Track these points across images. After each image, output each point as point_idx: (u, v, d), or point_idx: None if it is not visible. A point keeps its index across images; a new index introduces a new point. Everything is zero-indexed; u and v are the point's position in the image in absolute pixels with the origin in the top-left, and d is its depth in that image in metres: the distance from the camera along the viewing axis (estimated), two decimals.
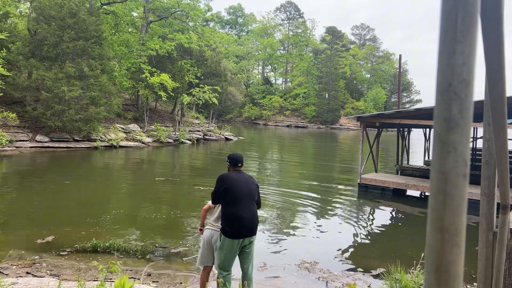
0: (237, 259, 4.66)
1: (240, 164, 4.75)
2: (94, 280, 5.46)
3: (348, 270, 6.72)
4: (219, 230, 4.68)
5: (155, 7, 31.59)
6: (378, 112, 15.33)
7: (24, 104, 22.06)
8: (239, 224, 4.40)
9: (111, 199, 11.63)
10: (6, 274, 5.68)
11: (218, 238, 4.64)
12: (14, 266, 6.11)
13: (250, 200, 4.57)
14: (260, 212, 10.36)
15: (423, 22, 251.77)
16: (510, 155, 8.71)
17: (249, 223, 4.45)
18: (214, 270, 4.90)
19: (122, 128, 26.39)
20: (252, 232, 4.52)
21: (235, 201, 4.44)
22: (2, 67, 19.74)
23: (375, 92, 74.07)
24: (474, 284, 5.64)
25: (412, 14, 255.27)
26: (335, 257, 7.29)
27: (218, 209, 4.82)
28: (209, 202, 4.85)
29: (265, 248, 7.57)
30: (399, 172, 16.78)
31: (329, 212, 10.96)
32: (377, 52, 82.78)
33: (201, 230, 5.01)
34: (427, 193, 13.04)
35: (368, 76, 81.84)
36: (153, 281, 5.80)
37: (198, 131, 32.84)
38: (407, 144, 19.01)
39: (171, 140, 28.41)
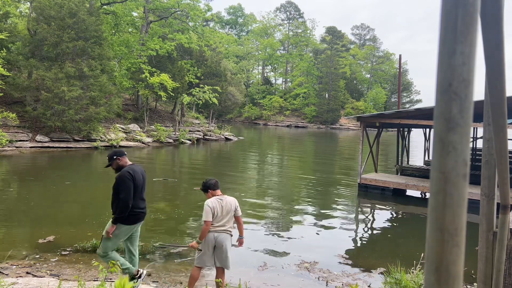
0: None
1: (125, 153, 5.12)
2: (94, 280, 5.46)
3: (348, 270, 6.71)
4: (223, 232, 4.80)
5: (155, 7, 31.59)
6: (378, 112, 15.33)
7: (24, 104, 22.05)
8: (137, 213, 4.88)
9: (111, 199, 11.61)
10: (6, 274, 5.68)
11: (225, 238, 4.80)
12: (14, 266, 6.11)
13: (144, 188, 5.03)
14: (260, 212, 10.37)
15: (423, 22, 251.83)
16: (510, 155, 8.72)
17: (143, 212, 4.98)
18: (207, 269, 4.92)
19: (122, 128, 26.39)
20: (144, 217, 5.05)
21: (136, 192, 4.84)
22: (2, 67, 19.74)
23: (375, 92, 74.08)
24: (474, 284, 5.64)
25: (412, 14, 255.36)
26: (335, 257, 7.29)
27: (228, 214, 4.86)
28: (205, 219, 4.75)
29: (265, 248, 7.57)
30: (399, 172, 16.77)
31: (329, 212, 10.96)
32: (377, 52, 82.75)
33: (197, 245, 4.89)
34: (427, 193, 13.05)
35: (368, 76, 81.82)
36: (153, 281, 5.81)
37: (198, 131, 32.83)
38: (407, 144, 19.01)
39: (171, 140, 28.40)
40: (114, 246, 4.85)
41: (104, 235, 4.80)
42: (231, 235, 4.92)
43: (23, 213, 9.39)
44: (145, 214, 5.06)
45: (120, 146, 24.02)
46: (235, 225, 5.07)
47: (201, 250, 4.82)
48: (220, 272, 4.87)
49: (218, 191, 4.99)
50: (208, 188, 4.99)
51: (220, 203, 4.84)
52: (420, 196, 13.40)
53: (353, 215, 10.95)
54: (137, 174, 4.87)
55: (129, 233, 4.92)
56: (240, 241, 5.09)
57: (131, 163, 5.05)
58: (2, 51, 20.34)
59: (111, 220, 4.79)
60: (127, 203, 4.68)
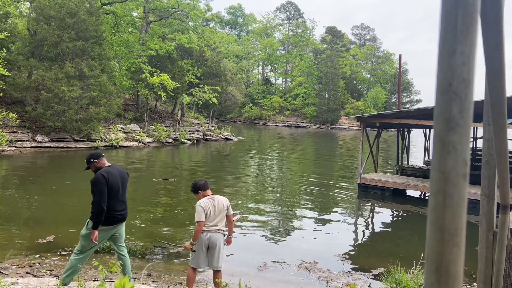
0: None
1: (102, 154, 5.11)
2: (94, 280, 5.46)
3: (348, 270, 6.72)
4: (216, 232, 4.81)
5: (155, 7, 31.59)
6: (378, 112, 15.33)
7: (24, 104, 22.05)
8: (113, 215, 4.81)
9: None
10: (6, 274, 5.68)
11: (219, 237, 4.79)
12: (14, 266, 6.11)
13: (124, 190, 4.97)
14: (260, 212, 10.37)
15: (423, 22, 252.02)
16: (510, 155, 8.72)
17: (121, 214, 4.89)
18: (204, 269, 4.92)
19: (122, 128, 26.39)
20: (124, 219, 4.97)
21: (112, 194, 4.77)
22: (2, 67, 19.74)
23: (375, 92, 74.08)
24: (474, 284, 5.64)
25: (412, 14, 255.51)
26: (335, 257, 7.29)
27: (221, 214, 4.87)
28: (198, 219, 4.75)
29: (265, 248, 7.57)
30: (399, 172, 16.77)
31: (329, 212, 10.96)
32: (377, 52, 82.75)
33: (191, 246, 4.89)
34: (427, 193, 13.04)
35: (368, 76, 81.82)
36: (153, 281, 5.80)
37: (198, 131, 32.83)
38: (407, 144, 19.01)
39: (171, 140, 28.41)
40: (90, 245, 4.80)
41: (83, 234, 4.77)
42: (224, 235, 4.93)
43: (23, 213, 9.38)
44: (124, 217, 4.94)
45: (120, 146, 24.03)
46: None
47: (195, 251, 4.82)
48: (216, 271, 4.88)
49: (209, 191, 4.99)
50: (198, 189, 4.99)
51: (212, 202, 4.85)
52: (420, 196, 13.40)
53: (353, 215, 10.95)
54: (112, 176, 4.78)
55: (107, 234, 4.83)
56: (229, 240, 5.06)
57: (109, 164, 5.00)
58: (2, 51, 20.34)
59: (89, 220, 4.77)
60: (101, 206, 4.64)
